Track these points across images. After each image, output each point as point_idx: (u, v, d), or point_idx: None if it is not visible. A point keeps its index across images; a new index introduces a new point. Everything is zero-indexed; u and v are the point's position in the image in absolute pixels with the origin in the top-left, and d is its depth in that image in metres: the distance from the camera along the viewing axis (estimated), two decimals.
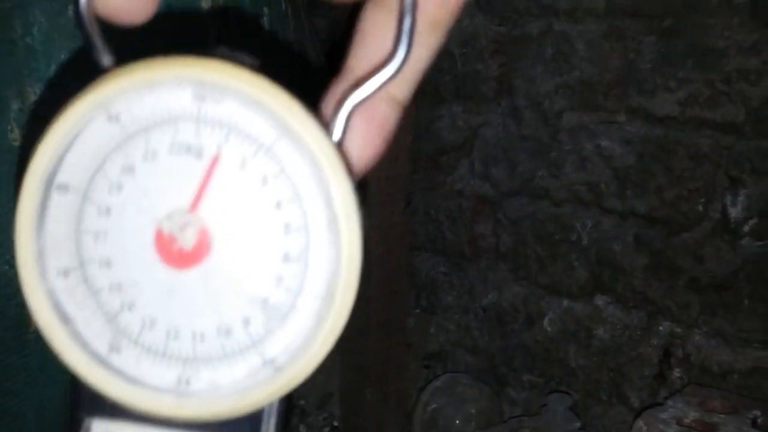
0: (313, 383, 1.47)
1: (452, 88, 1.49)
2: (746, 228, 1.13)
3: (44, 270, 0.23)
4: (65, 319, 0.23)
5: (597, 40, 1.27)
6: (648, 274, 1.24)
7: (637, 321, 1.26)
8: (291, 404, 0.26)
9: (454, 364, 1.53)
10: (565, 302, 1.35)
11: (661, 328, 1.23)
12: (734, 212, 1.14)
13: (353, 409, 1.45)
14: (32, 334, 0.60)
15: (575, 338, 1.34)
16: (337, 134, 0.23)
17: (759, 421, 1.03)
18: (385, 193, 1.42)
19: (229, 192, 0.23)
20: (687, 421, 1.03)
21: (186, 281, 0.23)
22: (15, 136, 0.61)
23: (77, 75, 0.23)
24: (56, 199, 0.23)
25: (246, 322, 0.23)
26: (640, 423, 1.06)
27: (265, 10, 0.59)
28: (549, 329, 1.37)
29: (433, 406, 1.40)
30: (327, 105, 0.24)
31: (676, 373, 1.21)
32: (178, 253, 0.23)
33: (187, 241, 0.23)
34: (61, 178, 0.23)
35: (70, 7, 0.57)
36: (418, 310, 1.59)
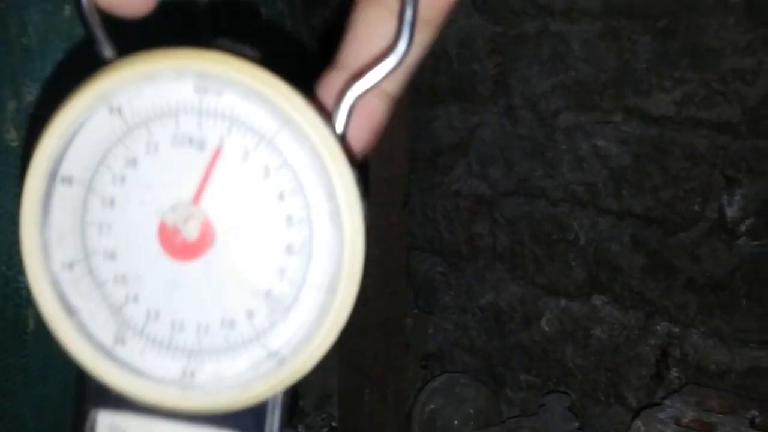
0: (311, 384, 1.47)
1: (449, 88, 1.49)
2: (743, 228, 1.13)
3: (49, 262, 0.23)
4: (70, 310, 0.23)
5: (593, 40, 1.27)
6: (645, 274, 1.24)
7: (635, 321, 1.26)
8: (296, 397, 0.25)
9: (452, 364, 1.53)
10: (563, 302, 1.35)
11: (658, 327, 1.23)
12: (731, 212, 1.14)
13: (352, 410, 1.45)
14: (30, 335, 0.60)
15: (573, 338, 1.34)
16: (339, 126, 0.23)
17: (757, 420, 1.03)
18: (383, 194, 1.42)
19: (232, 184, 0.23)
20: (685, 420, 1.03)
21: (189, 273, 0.23)
22: (12, 136, 0.61)
23: (74, 75, 0.24)
24: (60, 190, 0.23)
25: (249, 314, 0.23)
26: (638, 423, 1.06)
27: None
28: (546, 329, 1.38)
29: (432, 406, 1.40)
30: (323, 97, 0.24)
31: (674, 372, 1.21)
32: (182, 245, 0.23)
33: (191, 233, 0.23)
34: (65, 170, 0.23)
35: (67, 7, 0.57)
36: (416, 311, 1.59)
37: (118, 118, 0.23)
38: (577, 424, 1.29)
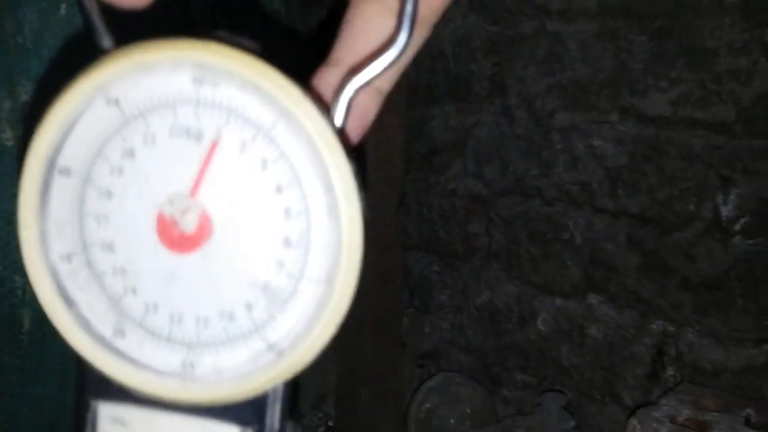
0: (307, 383, 1.46)
1: (445, 88, 1.49)
2: (737, 227, 1.14)
3: (48, 253, 0.23)
4: (69, 302, 0.23)
5: (589, 41, 1.27)
6: (640, 274, 1.24)
7: (630, 320, 1.26)
8: (296, 390, 0.25)
9: (448, 364, 1.53)
10: (558, 301, 1.36)
11: (653, 327, 1.24)
12: (726, 211, 1.15)
13: (348, 409, 1.45)
14: (26, 335, 0.60)
15: (568, 337, 1.34)
16: (337, 119, 0.23)
17: (752, 419, 1.04)
18: (379, 193, 1.42)
19: (229, 176, 0.23)
20: (680, 419, 1.03)
21: (187, 266, 0.23)
22: (7, 135, 0.60)
23: (69, 74, 0.24)
24: (59, 181, 0.23)
25: (248, 306, 0.23)
26: (633, 422, 1.06)
27: None
28: (542, 328, 1.38)
29: (428, 405, 1.40)
30: (319, 92, 0.24)
31: (669, 371, 1.22)
32: (180, 237, 0.23)
33: (188, 225, 0.23)
34: (63, 161, 0.23)
35: (62, 6, 0.57)
36: (411, 310, 1.59)
37: (115, 110, 0.23)
38: (573, 423, 1.29)
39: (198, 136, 0.23)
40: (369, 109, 0.24)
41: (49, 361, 0.59)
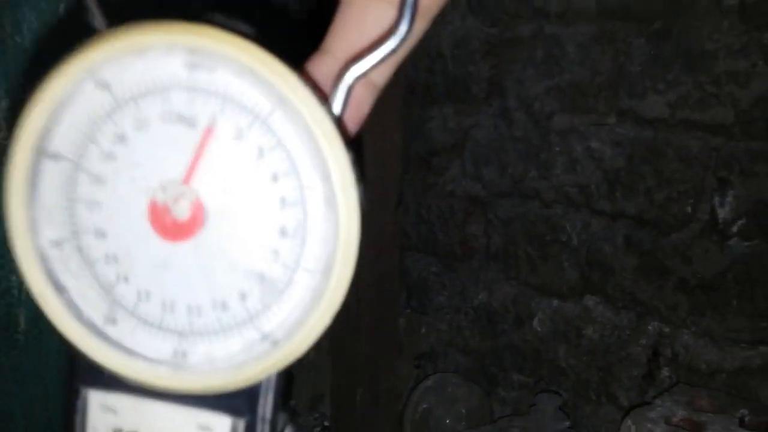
0: (303, 383, 1.46)
1: (444, 89, 1.49)
2: (734, 229, 1.14)
3: (37, 239, 0.23)
4: (59, 288, 0.23)
5: (587, 43, 1.28)
6: (637, 275, 1.25)
7: (626, 321, 1.27)
8: (290, 380, 0.25)
9: (445, 364, 1.53)
10: (555, 302, 1.36)
11: (650, 328, 1.24)
12: (722, 213, 1.15)
13: (344, 409, 1.45)
14: (21, 334, 0.60)
15: (565, 338, 1.34)
16: (336, 107, 0.23)
17: (746, 420, 1.04)
18: (377, 194, 1.42)
19: (224, 164, 0.23)
20: (675, 419, 1.03)
21: (180, 254, 0.23)
22: (5, 135, 0.60)
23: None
24: (48, 166, 0.22)
25: (242, 296, 0.23)
26: (628, 422, 1.06)
27: None
28: (539, 329, 1.38)
29: (424, 405, 1.40)
30: (314, 79, 0.24)
31: (665, 372, 1.22)
32: (172, 224, 0.23)
33: (181, 212, 0.23)
34: (52, 145, 0.22)
35: (61, 6, 0.57)
36: (408, 311, 1.59)
37: (105, 93, 0.22)
38: (568, 424, 1.29)
39: (192, 122, 0.22)
40: (364, 100, 0.24)
41: (45, 360, 0.59)
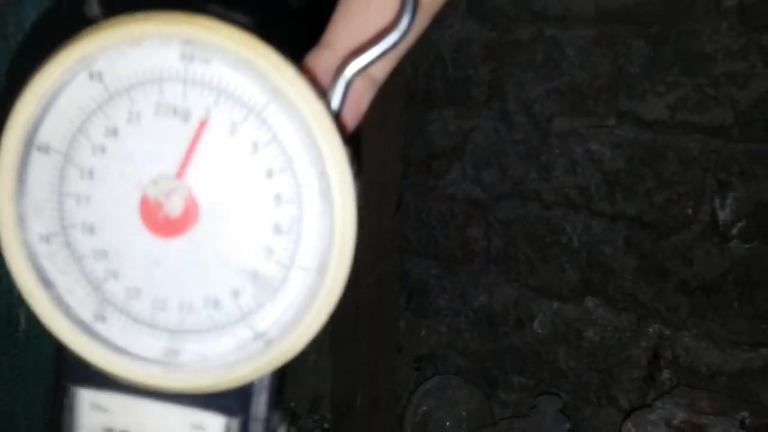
0: (303, 385, 1.46)
1: (444, 92, 1.50)
2: (735, 231, 1.14)
3: (25, 233, 0.22)
4: (47, 284, 0.22)
5: (587, 46, 1.28)
6: (638, 277, 1.24)
7: (627, 323, 1.26)
8: (283, 380, 0.25)
9: (445, 367, 1.52)
10: (556, 304, 1.36)
11: (650, 330, 1.23)
12: (723, 215, 1.15)
13: (344, 412, 1.45)
14: (22, 333, 0.60)
15: (565, 340, 1.34)
16: (334, 102, 0.23)
17: (747, 422, 1.04)
18: (376, 198, 1.42)
19: (218, 159, 0.22)
20: (676, 422, 1.03)
21: (172, 250, 0.22)
22: None
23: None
24: (37, 159, 0.22)
25: (235, 294, 0.23)
26: (628, 424, 1.06)
27: None
28: (539, 331, 1.38)
29: (424, 408, 1.40)
30: (313, 73, 0.23)
31: (665, 374, 1.21)
32: (164, 220, 0.22)
33: (173, 208, 0.22)
34: (42, 137, 0.22)
35: (65, 6, 0.57)
36: (409, 313, 1.59)
37: (98, 84, 0.22)
38: (569, 426, 1.29)
39: (185, 116, 0.22)
40: (364, 96, 0.24)
41: (46, 360, 0.59)
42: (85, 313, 0.23)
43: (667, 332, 1.21)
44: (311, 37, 0.24)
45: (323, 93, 0.23)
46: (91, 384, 0.23)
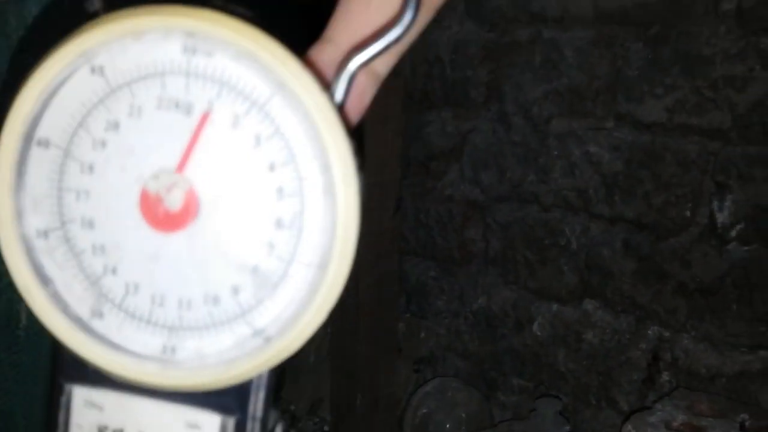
0: (303, 388, 1.46)
1: (442, 93, 1.50)
2: (733, 233, 1.14)
3: (23, 228, 0.22)
4: (45, 280, 0.22)
5: (585, 47, 1.28)
6: (636, 279, 1.24)
7: (626, 325, 1.26)
8: (281, 378, 0.25)
9: (445, 369, 1.52)
10: (555, 306, 1.35)
11: (649, 332, 1.23)
12: (721, 217, 1.15)
13: (344, 414, 1.44)
14: (22, 330, 0.59)
15: (565, 342, 1.34)
16: (338, 96, 0.22)
17: (747, 424, 1.04)
18: (376, 199, 1.42)
19: (220, 152, 0.22)
20: (675, 424, 1.03)
21: (172, 245, 0.22)
22: None
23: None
24: (36, 154, 0.22)
25: (235, 290, 0.22)
26: (628, 427, 1.06)
27: None
28: (538, 333, 1.37)
29: (424, 410, 1.39)
30: (317, 68, 0.24)
31: (665, 376, 1.21)
32: (164, 215, 0.22)
33: (174, 202, 0.22)
34: (42, 132, 0.22)
35: (66, 0, 0.57)
36: (408, 315, 1.59)
37: (99, 78, 0.21)
38: (568, 428, 1.28)
39: (187, 109, 0.22)
40: (366, 90, 0.24)
41: (46, 358, 0.59)
42: (82, 310, 0.22)
43: (667, 334, 1.21)
44: (310, 32, 0.24)
45: (327, 86, 0.22)
46: (85, 381, 0.23)
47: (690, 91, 1.16)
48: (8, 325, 0.59)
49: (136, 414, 0.23)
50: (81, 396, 0.23)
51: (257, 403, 0.23)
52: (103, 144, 0.22)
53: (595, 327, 1.30)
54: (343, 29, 0.24)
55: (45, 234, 0.22)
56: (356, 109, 0.24)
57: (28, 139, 0.22)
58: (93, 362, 0.22)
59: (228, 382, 0.22)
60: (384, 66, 0.24)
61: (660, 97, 1.20)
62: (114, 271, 0.22)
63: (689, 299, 1.18)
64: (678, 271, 1.19)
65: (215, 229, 0.22)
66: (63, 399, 0.23)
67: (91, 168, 0.22)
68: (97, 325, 0.22)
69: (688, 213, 1.18)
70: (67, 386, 0.23)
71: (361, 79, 0.23)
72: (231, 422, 0.23)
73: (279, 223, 0.22)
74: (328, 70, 0.23)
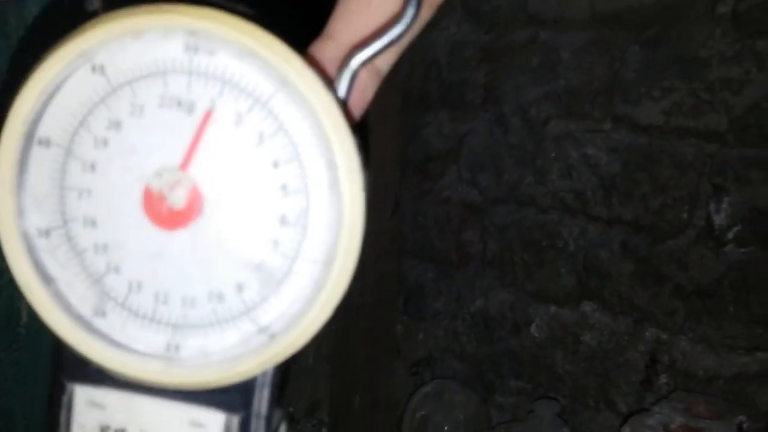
0: (301, 390, 1.45)
1: (439, 95, 1.50)
2: (730, 235, 1.14)
3: (24, 227, 0.22)
4: (47, 279, 0.22)
5: (582, 50, 1.28)
6: (634, 281, 1.25)
7: (624, 327, 1.26)
8: (287, 375, 0.25)
9: (443, 371, 1.52)
10: (552, 308, 1.36)
11: (647, 334, 1.24)
12: (718, 220, 1.15)
13: (342, 416, 1.44)
14: (23, 328, 0.59)
15: (562, 344, 1.34)
16: (341, 92, 0.23)
17: (744, 426, 1.04)
18: (373, 200, 1.42)
19: (223, 150, 0.22)
20: (673, 426, 1.03)
21: (175, 243, 0.22)
22: None
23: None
24: (37, 153, 0.22)
25: (239, 287, 0.22)
26: (626, 429, 1.06)
27: None
28: (536, 335, 1.38)
29: (422, 412, 1.39)
30: (319, 65, 0.24)
31: (663, 378, 1.21)
32: (168, 213, 0.22)
33: (177, 200, 0.22)
34: (43, 131, 0.22)
35: (66, 0, 0.57)
36: (405, 317, 1.59)
37: (100, 77, 0.21)
38: (566, 430, 1.28)
39: (190, 107, 0.22)
40: (368, 86, 0.24)
41: (47, 356, 0.58)
42: (85, 308, 0.22)
43: (664, 336, 1.21)
44: (309, 29, 0.24)
45: (330, 83, 0.22)
46: (87, 381, 0.23)
47: (686, 93, 1.17)
48: (9, 323, 0.58)
49: (138, 413, 0.23)
50: (83, 395, 0.23)
51: (262, 401, 0.23)
52: (105, 143, 0.22)
53: (593, 329, 1.30)
54: (344, 26, 0.24)
55: (47, 233, 0.22)
56: (359, 106, 0.24)
57: (28, 138, 0.22)
58: (96, 361, 0.22)
59: (233, 380, 0.22)
60: (385, 63, 0.24)
61: (657, 100, 1.20)
62: (117, 269, 0.22)
63: (687, 301, 1.19)
64: (675, 273, 1.20)
65: (219, 226, 0.22)
66: (65, 398, 0.23)
67: (93, 167, 0.22)
68: (99, 323, 0.22)
69: (685, 215, 1.18)
70: (69, 385, 0.23)
71: (363, 75, 0.23)
72: (235, 420, 0.23)
73: (283, 220, 0.22)
74: (330, 67, 0.23)
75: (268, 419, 0.24)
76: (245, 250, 0.22)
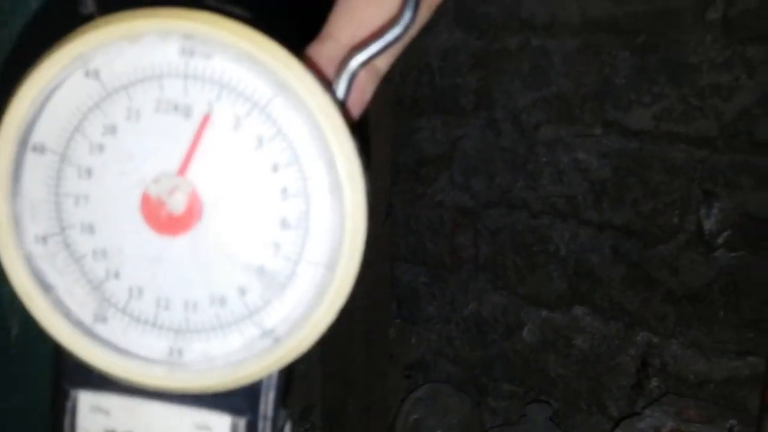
0: (294, 394, 1.45)
1: (431, 100, 1.50)
2: (720, 240, 1.15)
3: (21, 235, 0.22)
4: (46, 287, 0.22)
5: (573, 55, 1.29)
6: (625, 286, 1.25)
7: (615, 331, 1.27)
8: (291, 378, 0.25)
9: (436, 374, 1.52)
10: (544, 312, 1.36)
11: (638, 338, 1.24)
12: (708, 225, 1.16)
13: (335, 420, 1.44)
14: (14, 341, 0.59)
15: (554, 348, 1.34)
16: (340, 93, 0.22)
17: (735, 430, 1.04)
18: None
19: (221, 154, 0.22)
20: (664, 430, 1.04)
21: (175, 248, 0.22)
22: None
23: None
24: (32, 159, 0.21)
25: (242, 291, 0.22)
26: None
27: None
28: (528, 339, 1.38)
29: (415, 416, 1.39)
30: (317, 66, 0.23)
31: (654, 382, 1.22)
32: (167, 218, 0.22)
33: (176, 206, 0.22)
34: (37, 137, 0.21)
35: (58, 4, 0.56)
36: (399, 321, 1.59)
37: (94, 82, 0.21)
38: None
39: (187, 112, 0.21)
40: (367, 86, 0.24)
41: (38, 369, 0.58)
42: (85, 315, 0.22)
43: (655, 340, 1.22)
44: (306, 32, 0.24)
45: (328, 85, 0.22)
46: (91, 386, 0.23)
47: (677, 99, 1.17)
48: (2, 329, 0.58)
49: (143, 417, 0.23)
50: (87, 401, 0.23)
51: (267, 403, 0.23)
52: (101, 148, 0.22)
53: (585, 333, 1.30)
54: (343, 26, 0.24)
55: (44, 240, 0.22)
56: (357, 106, 0.24)
57: (22, 144, 0.21)
58: (98, 367, 0.22)
59: (236, 384, 0.22)
60: (384, 63, 0.24)
61: (647, 105, 1.21)
62: (116, 275, 0.22)
63: (677, 306, 1.19)
64: (666, 278, 1.20)
65: (219, 230, 0.22)
66: (68, 404, 0.23)
67: (89, 172, 0.22)
68: (100, 329, 0.22)
69: (675, 220, 1.19)
70: (73, 391, 0.23)
71: (362, 75, 0.23)
72: (242, 423, 0.23)
73: (284, 223, 0.22)
74: (329, 67, 0.23)
75: (274, 420, 0.24)
76: (246, 253, 0.22)
